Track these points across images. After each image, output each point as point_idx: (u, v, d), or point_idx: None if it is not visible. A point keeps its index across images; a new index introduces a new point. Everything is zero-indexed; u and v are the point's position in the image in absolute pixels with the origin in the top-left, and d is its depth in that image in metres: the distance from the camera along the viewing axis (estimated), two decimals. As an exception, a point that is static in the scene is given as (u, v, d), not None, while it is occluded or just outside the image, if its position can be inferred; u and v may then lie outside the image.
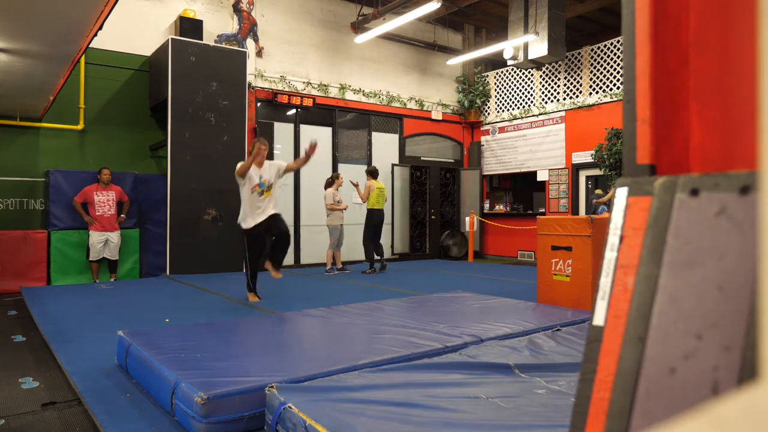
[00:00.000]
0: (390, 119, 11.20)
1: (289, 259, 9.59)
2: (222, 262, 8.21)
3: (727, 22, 0.81)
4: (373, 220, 8.49)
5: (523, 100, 11.33)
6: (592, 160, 9.79)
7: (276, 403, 2.28)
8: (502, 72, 11.74)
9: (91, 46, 5.60)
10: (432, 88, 11.87)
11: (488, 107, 12.05)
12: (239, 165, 5.41)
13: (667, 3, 0.86)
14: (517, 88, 11.45)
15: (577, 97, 10.34)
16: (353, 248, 9.82)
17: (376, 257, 8.62)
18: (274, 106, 9.53)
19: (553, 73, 10.75)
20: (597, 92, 10.04)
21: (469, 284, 7.01)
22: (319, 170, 9.93)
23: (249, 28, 9.31)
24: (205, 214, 8.06)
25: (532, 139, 11.10)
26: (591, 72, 10.14)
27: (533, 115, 11.08)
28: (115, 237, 7.43)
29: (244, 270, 6.04)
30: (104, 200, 7.36)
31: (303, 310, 4.63)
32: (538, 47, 9.53)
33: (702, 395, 0.67)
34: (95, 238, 7.27)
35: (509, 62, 10.27)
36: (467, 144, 12.38)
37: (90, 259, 7.35)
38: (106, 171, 7.43)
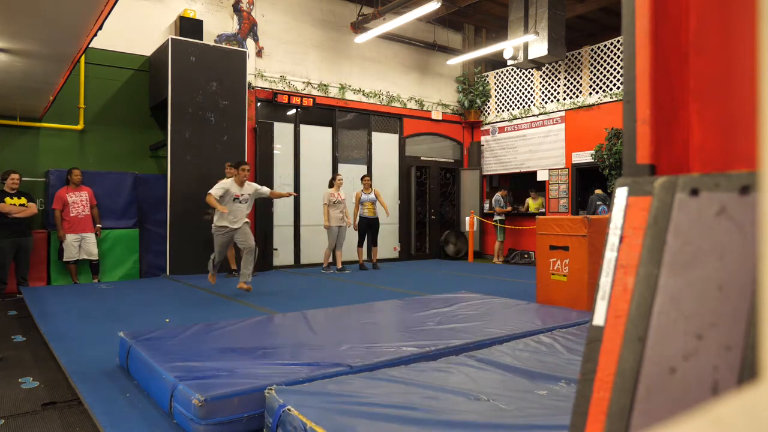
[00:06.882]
0: (390, 119, 11.20)
1: (288, 258, 9.58)
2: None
3: (727, 22, 0.81)
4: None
5: (523, 100, 11.33)
6: (592, 160, 9.79)
7: (276, 405, 2.27)
8: (502, 72, 11.73)
9: (91, 46, 5.59)
10: (432, 88, 11.86)
11: (488, 107, 12.04)
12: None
13: (667, 3, 0.86)
14: (517, 88, 11.44)
15: (577, 97, 10.33)
16: (350, 249, 9.79)
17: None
18: (274, 106, 9.53)
19: (553, 73, 10.74)
20: (597, 92, 10.04)
21: (469, 284, 7.00)
22: (319, 170, 9.93)
23: (249, 28, 9.31)
24: (204, 214, 8.06)
25: (532, 139, 11.09)
26: (591, 72, 10.14)
27: (533, 115, 11.07)
28: (90, 237, 7.31)
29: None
30: (78, 201, 7.25)
31: (302, 310, 4.63)
32: (538, 47, 9.52)
33: (702, 395, 0.67)
34: (70, 239, 7.18)
35: (509, 62, 10.26)
36: (467, 144, 12.38)
37: (64, 260, 7.23)
38: (77, 171, 7.32)
